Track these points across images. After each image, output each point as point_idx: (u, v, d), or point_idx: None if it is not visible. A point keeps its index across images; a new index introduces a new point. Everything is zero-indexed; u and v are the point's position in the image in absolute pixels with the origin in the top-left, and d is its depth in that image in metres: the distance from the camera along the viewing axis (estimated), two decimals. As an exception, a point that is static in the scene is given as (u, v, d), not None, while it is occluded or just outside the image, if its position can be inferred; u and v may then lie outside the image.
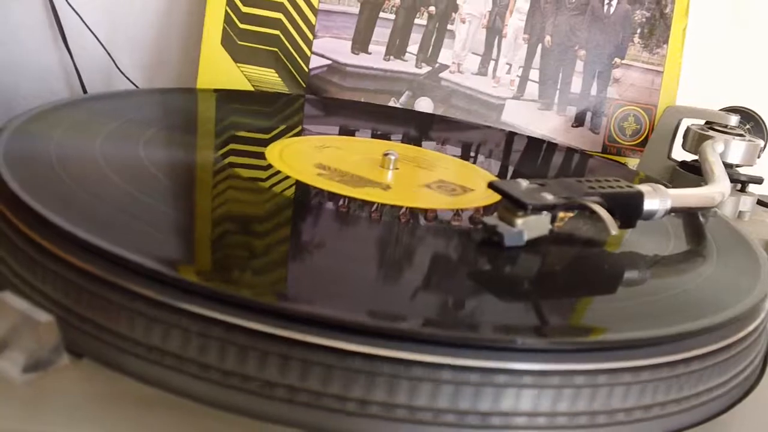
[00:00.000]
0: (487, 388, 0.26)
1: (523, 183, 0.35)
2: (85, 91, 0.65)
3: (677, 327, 0.30)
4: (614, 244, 0.39)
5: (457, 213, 0.40)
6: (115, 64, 0.66)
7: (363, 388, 0.25)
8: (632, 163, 0.66)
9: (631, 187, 0.37)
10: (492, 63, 0.66)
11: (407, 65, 0.65)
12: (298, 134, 0.52)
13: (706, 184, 0.46)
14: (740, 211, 0.55)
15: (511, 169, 0.54)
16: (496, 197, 0.37)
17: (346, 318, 0.26)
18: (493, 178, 0.45)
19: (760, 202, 0.57)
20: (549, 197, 0.34)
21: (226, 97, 0.58)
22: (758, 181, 0.56)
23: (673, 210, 0.39)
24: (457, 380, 0.25)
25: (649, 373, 0.28)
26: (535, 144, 0.61)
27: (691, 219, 0.44)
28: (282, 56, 0.63)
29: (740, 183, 0.55)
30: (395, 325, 0.27)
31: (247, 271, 0.30)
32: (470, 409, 0.26)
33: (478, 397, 0.26)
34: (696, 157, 0.56)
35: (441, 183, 0.45)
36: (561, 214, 0.34)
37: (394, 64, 0.65)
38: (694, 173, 0.56)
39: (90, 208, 0.33)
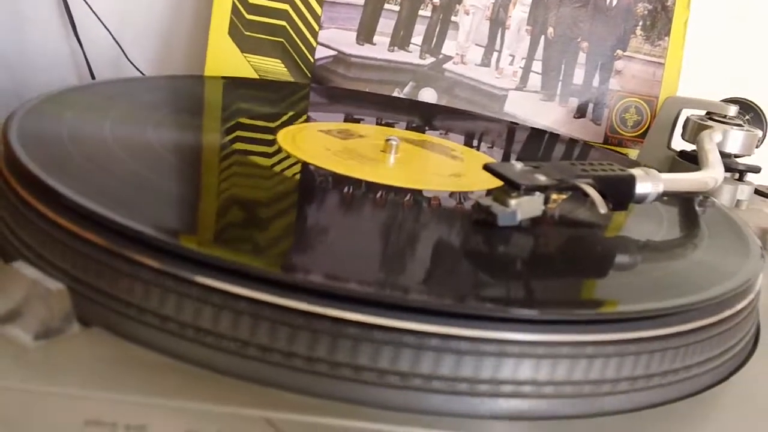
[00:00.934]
0: (470, 357, 0.27)
1: (518, 165, 0.36)
2: (94, 81, 0.67)
3: (661, 303, 0.31)
4: (609, 228, 0.40)
5: (457, 195, 0.42)
6: (125, 54, 0.67)
7: (348, 353, 0.26)
8: (633, 153, 0.67)
9: (623, 170, 0.38)
10: (495, 54, 0.67)
11: (411, 56, 0.66)
12: (304, 121, 0.53)
13: (702, 171, 0.47)
14: (738, 200, 0.55)
15: (513, 159, 0.54)
16: (496, 182, 0.38)
17: (344, 288, 0.27)
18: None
19: (757, 191, 0.57)
20: (542, 178, 0.35)
21: (233, 84, 0.59)
22: (756, 170, 0.56)
23: (666, 194, 0.40)
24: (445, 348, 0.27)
25: (635, 345, 0.29)
26: (537, 134, 0.62)
27: (687, 206, 0.45)
28: (288, 47, 0.64)
29: (738, 172, 0.56)
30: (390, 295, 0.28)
31: (247, 241, 0.31)
32: (469, 377, 0.27)
33: (459, 364, 0.27)
34: (695, 147, 0.57)
35: (441, 167, 0.46)
36: (554, 196, 0.35)
37: (399, 55, 0.66)
38: (693, 163, 0.57)
39: (98, 183, 0.34)
